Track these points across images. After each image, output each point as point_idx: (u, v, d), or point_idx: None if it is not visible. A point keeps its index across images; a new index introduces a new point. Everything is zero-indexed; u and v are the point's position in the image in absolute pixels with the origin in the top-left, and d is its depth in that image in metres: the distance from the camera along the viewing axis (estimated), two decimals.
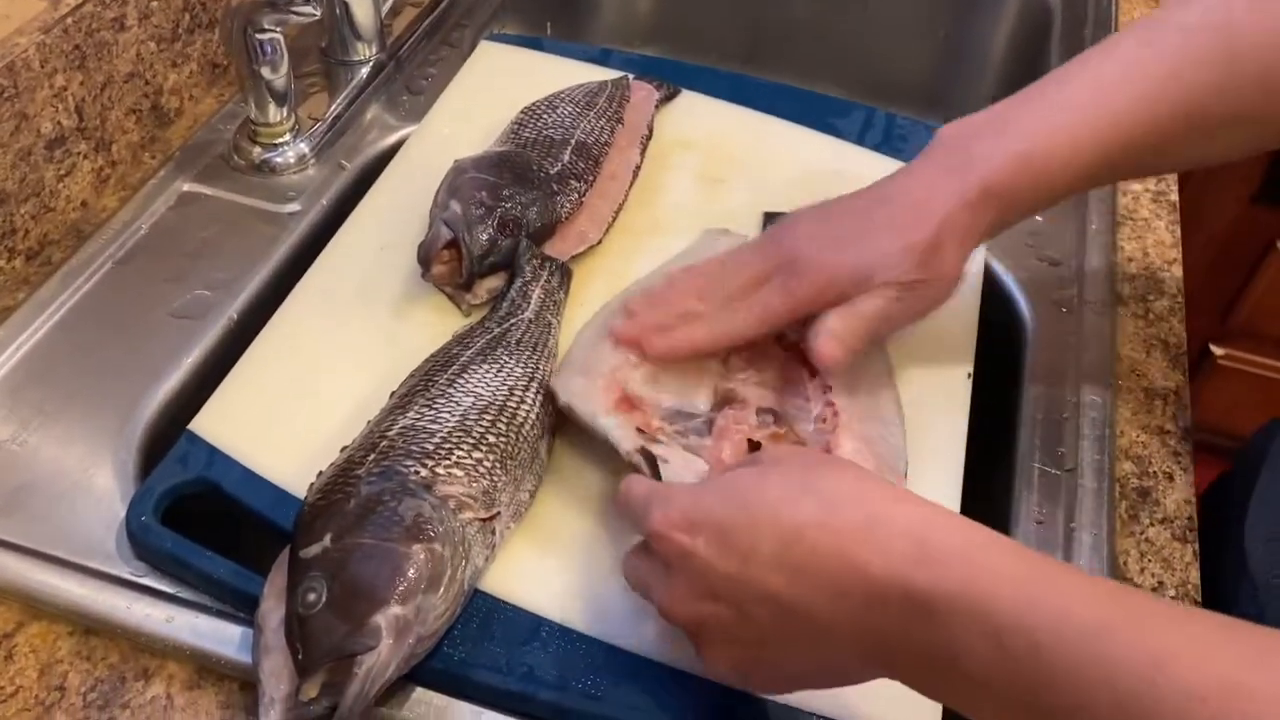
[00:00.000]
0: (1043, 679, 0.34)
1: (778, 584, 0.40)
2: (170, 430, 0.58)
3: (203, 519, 0.54)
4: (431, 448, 0.50)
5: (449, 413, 0.52)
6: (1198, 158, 0.56)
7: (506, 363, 0.56)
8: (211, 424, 0.57)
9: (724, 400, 0.56)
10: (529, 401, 0.55)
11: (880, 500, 0.40)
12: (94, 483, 0.56)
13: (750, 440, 0.53)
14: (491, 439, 0.52)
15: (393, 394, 0.55)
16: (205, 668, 0.50)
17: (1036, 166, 0.53)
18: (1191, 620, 0.35)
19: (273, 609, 0.47)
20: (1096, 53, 0.55)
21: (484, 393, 0.54)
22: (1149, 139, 0.52)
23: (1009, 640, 0.35)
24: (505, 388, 0.54)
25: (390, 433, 0.51)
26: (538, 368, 0.57)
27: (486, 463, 0.51)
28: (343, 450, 0.52)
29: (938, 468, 0.57)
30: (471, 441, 0.51)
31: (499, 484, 0.51)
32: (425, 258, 0.61)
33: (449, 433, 0.51)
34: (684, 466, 0.51)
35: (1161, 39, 0.53)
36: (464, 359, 0.56)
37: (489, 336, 0.58)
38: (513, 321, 0.59)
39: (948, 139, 0.55)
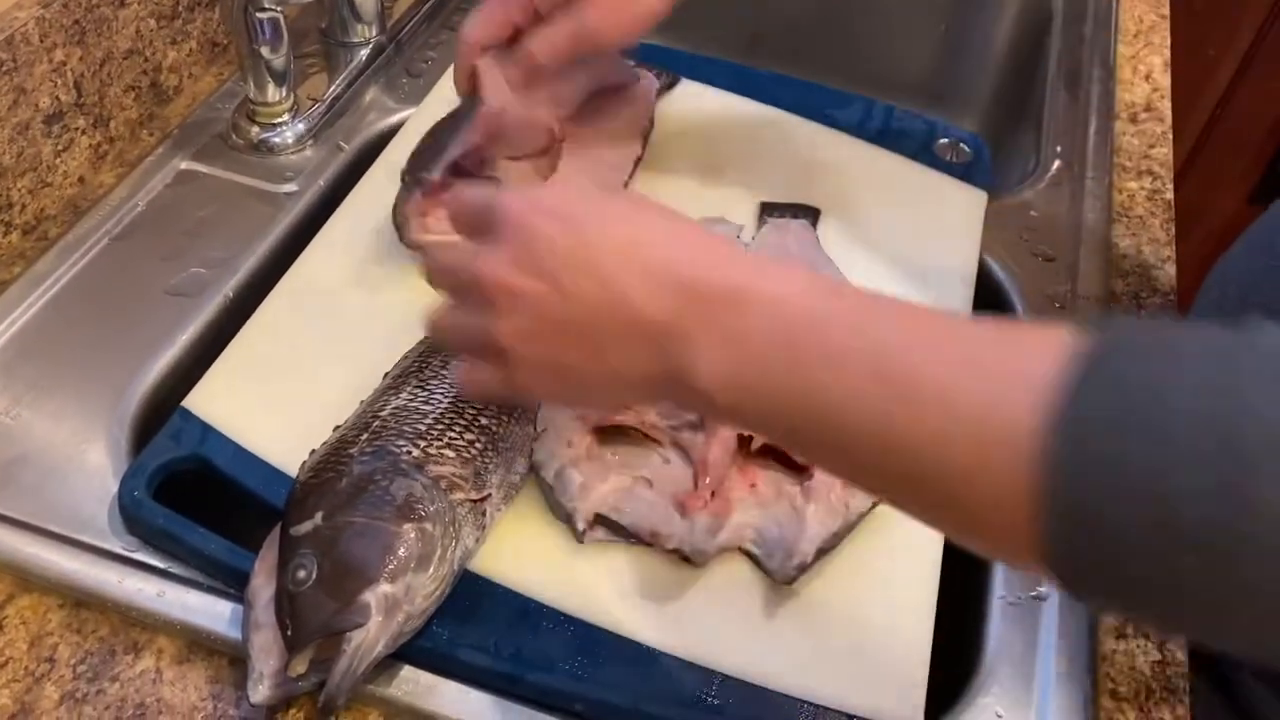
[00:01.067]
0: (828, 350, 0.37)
1: (609, 266, 0.40)
2: (164, 407, 0.58)
3: (195, 495, 0.54)
4: (424, 428, 0.50)
5: (441, 394, 0.52)
6: None
7: None
8: (205, 401, 0.57)
9: None
10: None
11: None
12: (87, 457, 0.56)
13: (740, 436, 0.53)
14: (484, 421, 0.52)
15: (386, 375, 0.56)
16: (195, 642, 0.50)
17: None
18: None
19: (263, 585, 0.47)
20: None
21: None
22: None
23: (801, 335, 0.37)
24: None
25: (383, 413, 0.51)
26: None
27: (478, 444, 0.51)
28: (335, 430, 0.52)
29: None
30: (464, 423, 0.51)
31: (490, 465, 0.51)
32: (400, 221, 0.61)
33: (441, 414, 0.51)
34: (643, 515, 0.52)
35: None
36: None
37: None
38: None
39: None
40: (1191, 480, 0.29)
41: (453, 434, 0.51)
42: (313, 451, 0.51)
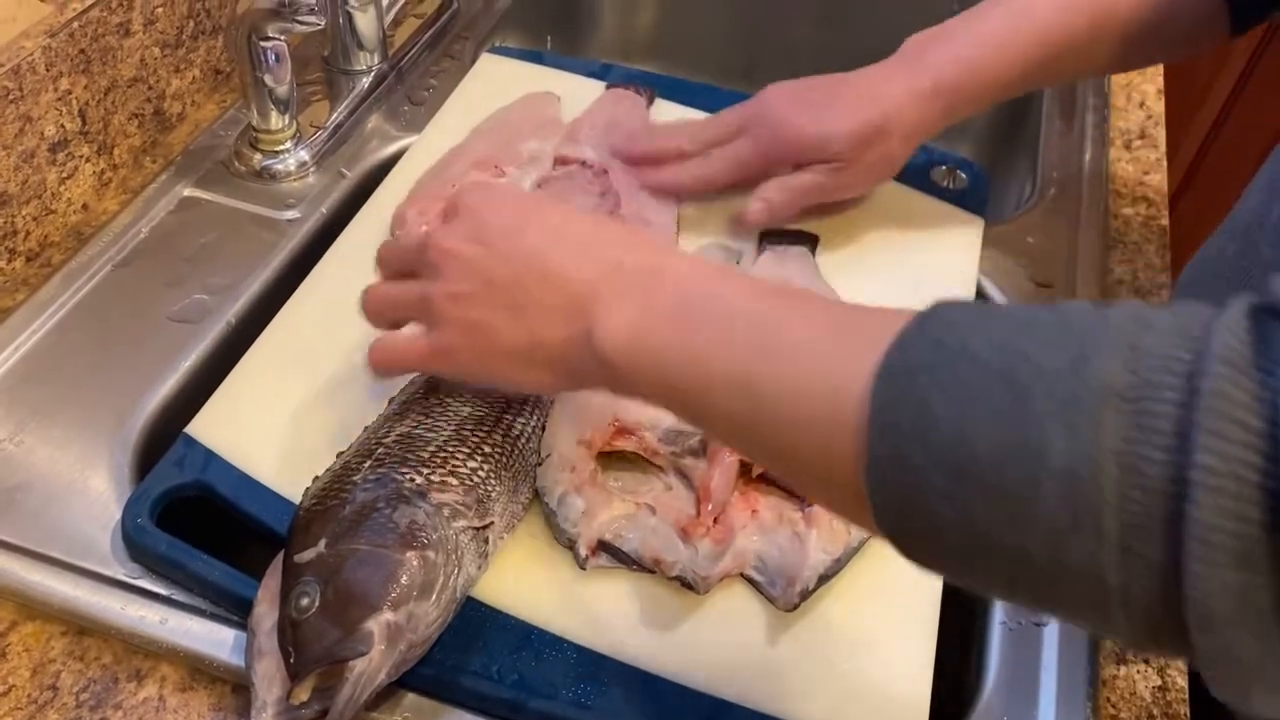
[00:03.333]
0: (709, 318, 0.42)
1: (544, 238, 0.47)
2: (167, 433, 0.58)
3: (198, 522, 0.54)
4: (427, 455, 0.51)
5: (445, 421, 0.53)
6: (1115, 62, 0.66)
7: None
8: (208, 428, 0.57)
9: None
10: (525, 413, 0.55)
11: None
12: (90, 484, 0.56)
13: (742, 461, 0.54)
14: (487, 449, 0.52)
15: (391, 400, 0.56)
16: (198, 670, 0.50)
17: (976, 68, 0.64)
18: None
19: (266, 613, 0.47)
20: None
21: (481, 403, 0.54)
22: (1066, 45, 0.63)
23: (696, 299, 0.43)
24: (503, 399, 0.55)
25: (387, 440, 0.52)
26: None
27: (481, 472, 0.51)
28: (339, 456, 0.53)
29: None
30: (467, 451, 0.51)
31: (494, 493, 0.51)
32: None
33: (445, 441, 0.51)
34: (646, 542, 0.52)
35: None
36: None
37: None
38: None
39: (909, 46, 0.67)
40: (986, 428, 0.31)
41: (456, 461, 0.51)
42: (316, 478, 0.51)
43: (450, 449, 0.51)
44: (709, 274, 0.44)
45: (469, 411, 0.53)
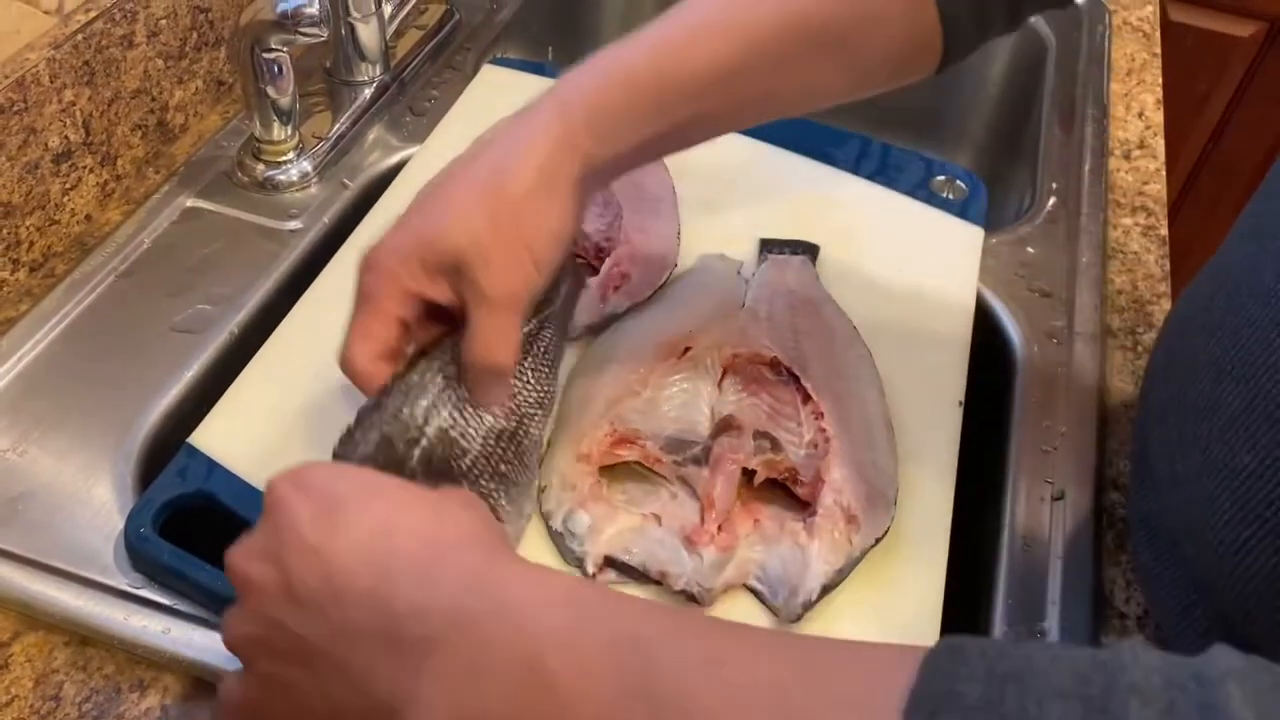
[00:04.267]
0: (580, 692, 0.32)
1: (343, 576, 0.36)
2: (169, 443, 0.58)
3: (201, 531, 0.54)
4: (465, 467, 0.50)
5: (475, 429, 0.51)
6: (807, 92, 0.54)
7: (526, 377, 0.54)
8: (211, 438, 0.57)
9: (723, 426, 0.57)
10: (534, 431, 0.55)
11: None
12: (93, 494, 0.56)
13: (745, 469, 0.54)
14: (503, 469, 0.52)
15: (419, 356, 0.52)
16: (201, 680, 0.50)
17: (626, 90, 0.49)
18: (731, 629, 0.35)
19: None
20: None
21: (499, 412, 0.53)
22: (747, 61, 0.50)
23: (551, 659, 0.33)
24: (518, 413, 0.53)
25: (429, 431, 0.50)
26: (548, 393, 0.56)
27: (496, 494, 0.51)
28: (372, 413, 0.50)
29: (928, 494, 0.57)
30: (490, 470, 0.51)
31: (503, 515, 0.51)
32: None
33: (475, 458, 0.51)
34: (653, 554, 0.52)
35: None
36: None
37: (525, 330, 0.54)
38: (548, 327, 0.56)
39: (549, 89, 0.52)
40: None
41: (482, 480, 0.51)
42: (351, 431, 0.49)
43: (480, 467, 0.51)
44: (537, 618, 0.34)
45: (492, 422, 0.52)
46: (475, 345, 0.48)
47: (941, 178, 0.78)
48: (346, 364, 0.50)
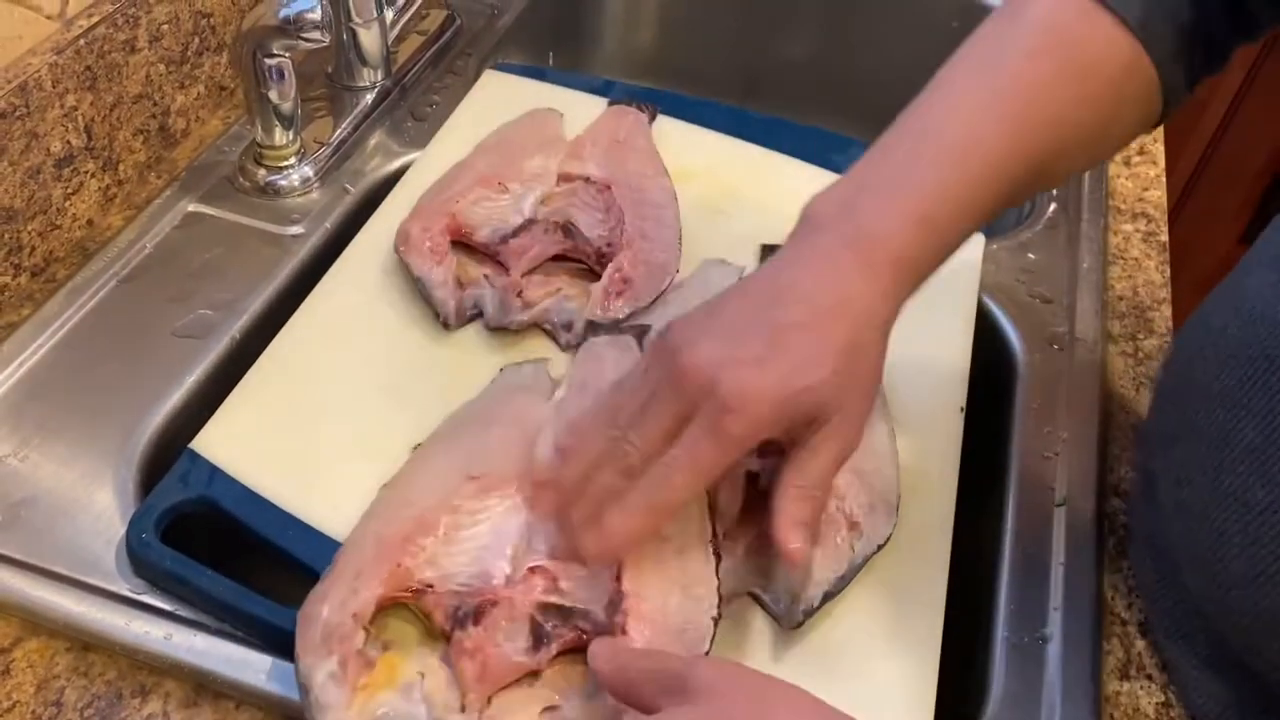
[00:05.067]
0: None
1: None
2: (171, 449, 0.58)
3: (202, 537, 0.54)
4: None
5: None
6: (1065, 173, 0.57)
7: None
8: (213, 443, 0.57)
9: None
10: None
11: None
12: (94, 499, 0.56)
13: (749, 472, 0.54)
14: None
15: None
16: (202, 686, 0.50)
17: (940, 226, 0.49)
18: None
19: (315, 665, 0.45)
20: (945, 88, 0.52)
21: None
22: (1027, 169, 0.50)
23: None
24: None
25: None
26: None
27: None
28: None
29: (930, 501, 0.57)
30: None
31: None
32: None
33: None
34: None
35: (1006, 62, 0.51)
36: None
37: None
38: None
39: (828, 211, 0.49)
40: None
41: None
42: None
43: None
44: None
45: None
46: (812, 474, 0.47)
47: None
48: (666, 500, 0.46)
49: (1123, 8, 0.50)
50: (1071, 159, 0.54)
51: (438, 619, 0.48)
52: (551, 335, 0.64)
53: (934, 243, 0.49)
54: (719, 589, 0.49)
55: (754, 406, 0.44)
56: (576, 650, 0.48)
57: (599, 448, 0.49)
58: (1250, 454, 0.46)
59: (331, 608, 0.47)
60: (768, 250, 0.71)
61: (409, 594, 0.49)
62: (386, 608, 0.49)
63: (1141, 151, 0.86)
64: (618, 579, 0.48)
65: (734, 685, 0.40)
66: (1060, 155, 0.52)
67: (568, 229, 0.67)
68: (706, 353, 0.45)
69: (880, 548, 0.53)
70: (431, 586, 0.49)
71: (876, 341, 0.48)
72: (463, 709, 0.46)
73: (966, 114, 0.50)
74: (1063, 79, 0.51)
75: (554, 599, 0.48)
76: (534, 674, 0.47)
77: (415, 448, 0.56)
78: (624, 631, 0.47)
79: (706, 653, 0.47)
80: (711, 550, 0.50)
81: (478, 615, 0.47)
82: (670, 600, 0.48)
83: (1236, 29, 0.53)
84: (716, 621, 0.48)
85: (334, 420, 0.59)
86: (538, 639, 0.47)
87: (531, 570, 0.49)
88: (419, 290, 0.65)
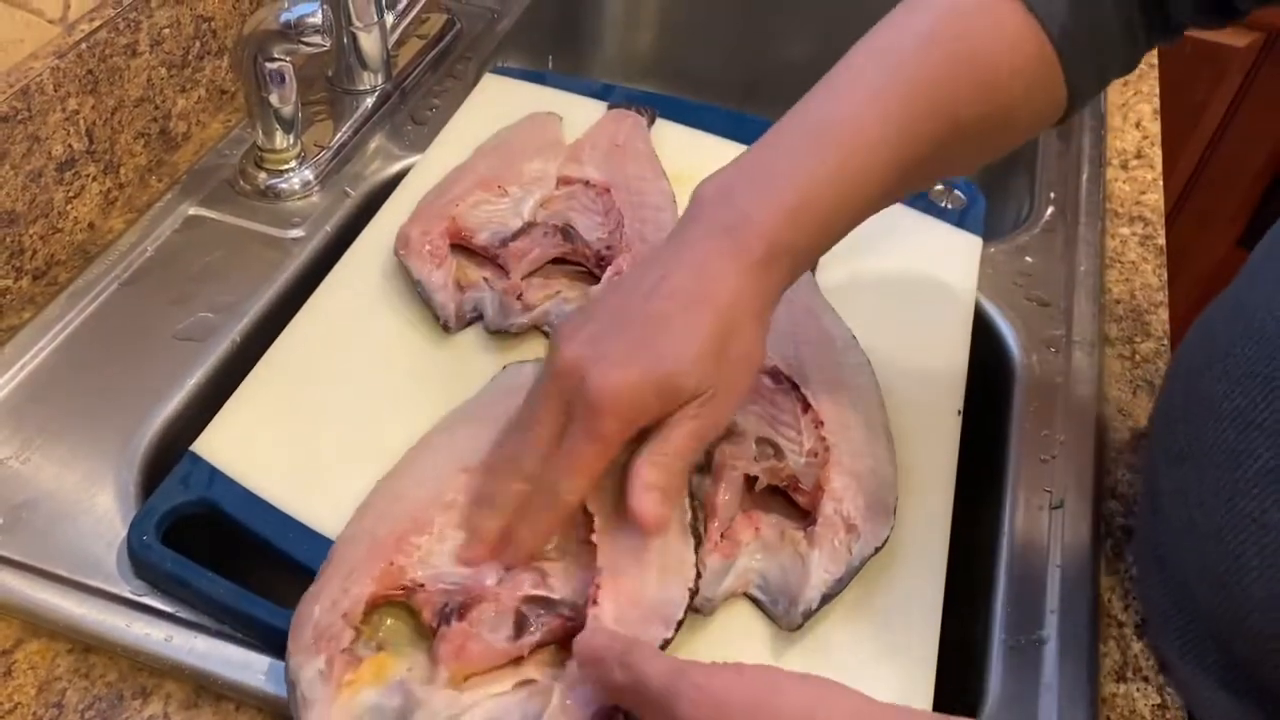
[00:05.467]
0: None
1: None
2: (172, 451, 0.59)
3: (203, 540, 0.54)
4: None
5: None
6: (967, 162, 0.55)
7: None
8: (213, 446, 0.58)
9: (724, 432, 0.57)
10: None
11: None
12: (96, 501, 0.57)
13: (747, 476, 0.54)
14: None
15: None
16: (203, 687, 0.50)
17: (819, 214, 0.49)
18: None
19: (304, 661, 0.46)
20: (840, 75, 0.52)
21: None
22: (915, 158, 0.50)
23: None
24: None
25: None
26: None
27: None
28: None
29: (927, 504, 0.58)
30: None
31: None
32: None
33: None
34: None
35: (901, 48, 0.51)
36: None
37: None
38: None
39: (710, 196, 0.50)
40: None
41: None
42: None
43: None
44: None
45: None
46: (671, 443, 0.48)
47: (940, 187, 0.78)
48: (561, 505, 0.48)
49: None
50: (970, 148, 0.53)
51: (426, 616, 0.48)
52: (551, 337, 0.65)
53: (811, 230, 0.49)
54: (697, 566, 0.49)
55: (619, 404, 0.46)
56: (561, 639, 0.48)
57: (508, 454, 0.51)
58: (1266, 476, 0.45)
59: (323, 608, 0.47)
60: None
61: (401, 592, 0.49)
62: (380, 605, 0.49)
63: (1139, 155, 0.87)
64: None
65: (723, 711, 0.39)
66: (956, 144, 0.51)
67: (567, 232, 0.68)
68: (576, 351, 0.48)
69: (878, 550, 0.53)
70: (423, 585, 0.49)
71: (748, 326, 0.49)
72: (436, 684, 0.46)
73: (855, 102, 0.50)
74: (958, 67, 0.50)
75: (541, 592, 0.49)
76: (517, 660, 0.48)
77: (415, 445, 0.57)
78: (594, 603, 0.47)
79: (680, 622, 0.48)
80: (690, 533, 0.50)
81: (463, 610, 0.48)
82: (648, 576, 0.49)
83: (1152, 27, 0.53)
84: (693, 595, 0.49)
85: (334, 423, 0.59)
86: (520, 627, 0.48)
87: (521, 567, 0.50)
88: (419, 293, 0.65)
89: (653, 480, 0.47)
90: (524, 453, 0.50)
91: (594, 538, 0.49)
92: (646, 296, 0.48)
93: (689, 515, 0.51)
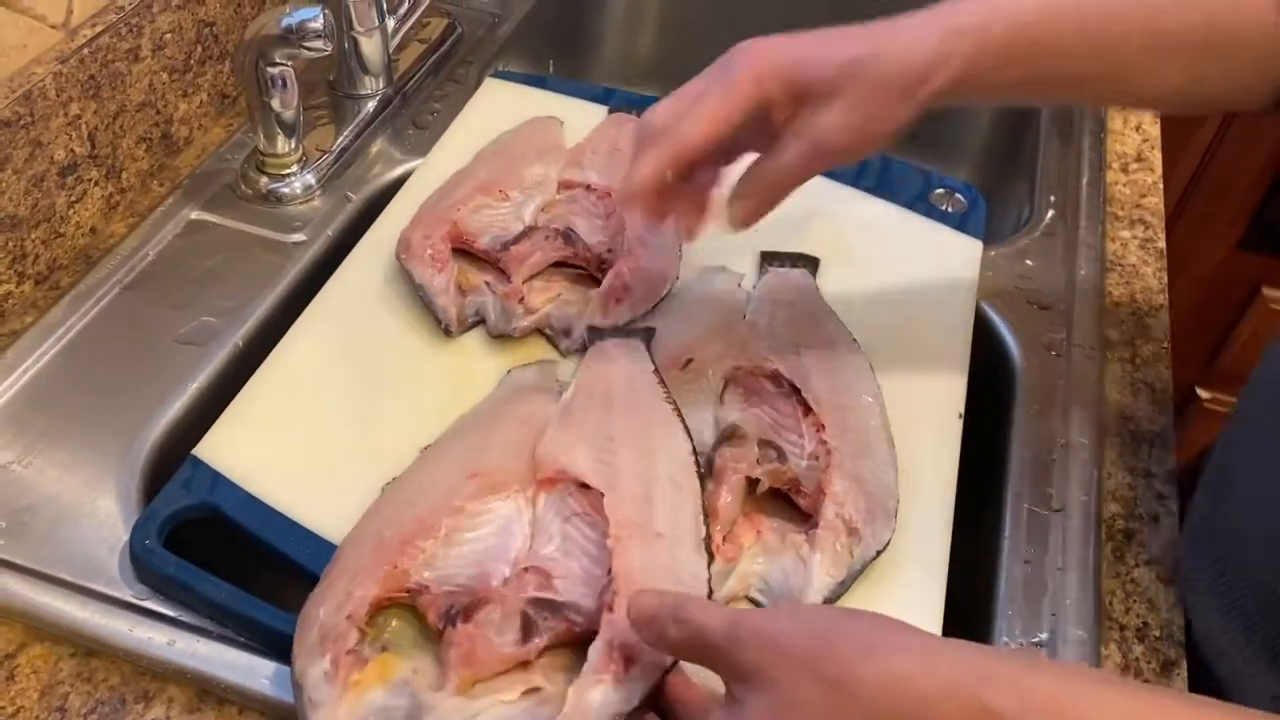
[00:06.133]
0: None
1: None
2: (174, 455, 0.59)
3: (205, 544, 0.54)
4: None
5: None
6: (1143, 92, 0.54)
7: None
8: (215, 450, 0.58)
9: (726, 435, 0.57)
10: None
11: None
12: (98, 506, 0.57)
13: (749, 479, 0.54)
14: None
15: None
16: (205, 691, 0.51)
17: (1011, 18, 0.51)
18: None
19: (309, 665, 0.46)
20: None
21: None
22: (1097, 57, 0.52)
23: None
24: None
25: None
26: None
27: None
28: None
29: (928, 507, 0.58)
30: None
31: None
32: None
33: None
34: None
35: None
36: None
37: None
38: None
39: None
40: None
41: None
42: None
43: None
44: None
45: None
46: (780, 159, 0.53)
47: (941, 191, 0.78)
48: (675, 137, 0.53)
49: None
50: (1157, 74, 0.52)
51: (431, 618, 0.48)
52: (552, 341, 0.65)
53: (999, 24, 0.51)
54: (709, 581, 0.49)
55: (759, 61, 0.52)
56: (567, 644, 0.48)
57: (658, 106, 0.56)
58: None
59: (327, 609, 0.48)
60: (767, 257, 0.71)
61: (405, 594, 0.49)
62: (385, 607, 0.49)
63: (1139, 158, 0.87)
64: (609, 573, 0.49)
65: (789, 659, 0.38)
66: (1145, 61, 0.51)
67: (568, 236, 0.68)
68: (754, 41, 0.54)
69: (879, 553, 0.53)
70: (428, 587, 0.49)
71: (892, 95, 0.51)
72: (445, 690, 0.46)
73: None
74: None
75: (546, 594, 0.49)
76: (525, 665, 0.47)
77: (424, 449, 0.57)
78: (611, 609, 0.47)
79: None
80: (705, 548, 0.50)
81: (468, 612, 0.47)
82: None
83: None
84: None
85: (336, 426, 0.59)
86: (527, 631, 0.47)
87: (525, 570, 0.50)
88: (420, 297, 0.65)
89: (748, 190, 0.55)
90: (667, 104, 0.55)
91: (610, 543, 0.49)
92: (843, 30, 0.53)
93: (704, 531, 0.51)
